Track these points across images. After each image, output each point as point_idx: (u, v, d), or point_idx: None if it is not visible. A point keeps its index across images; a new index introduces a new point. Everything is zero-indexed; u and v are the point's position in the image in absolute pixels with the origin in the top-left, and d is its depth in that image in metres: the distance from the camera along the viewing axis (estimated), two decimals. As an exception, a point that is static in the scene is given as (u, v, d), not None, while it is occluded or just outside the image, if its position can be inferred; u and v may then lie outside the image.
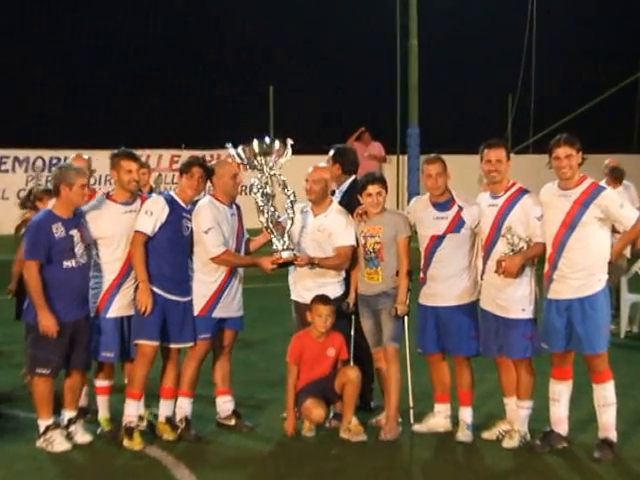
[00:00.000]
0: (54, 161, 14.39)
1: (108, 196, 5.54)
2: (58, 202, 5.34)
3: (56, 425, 5.35)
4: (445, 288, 5.46)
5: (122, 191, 5.49)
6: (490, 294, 5.38)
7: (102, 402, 5.63)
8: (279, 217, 5.57)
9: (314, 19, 17.89)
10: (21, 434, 5.58)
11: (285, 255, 5.50)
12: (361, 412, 5.77)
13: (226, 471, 5.08)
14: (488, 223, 5.37)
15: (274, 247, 5.54)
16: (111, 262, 5.44)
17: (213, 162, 5.78)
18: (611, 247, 5.23)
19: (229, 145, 5.56)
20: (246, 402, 6.13)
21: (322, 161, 6.04)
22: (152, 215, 5.39)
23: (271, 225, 5.52)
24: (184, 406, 5.59)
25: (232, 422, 5.77)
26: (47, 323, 5.18)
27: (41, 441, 5.33)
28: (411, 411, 5.72)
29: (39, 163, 14.25)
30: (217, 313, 5.59)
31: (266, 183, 5.51)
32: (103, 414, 5.62)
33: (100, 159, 11.57)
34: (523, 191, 5.36)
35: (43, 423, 5.33)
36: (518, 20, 17.81)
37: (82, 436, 5.43)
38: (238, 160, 5.56)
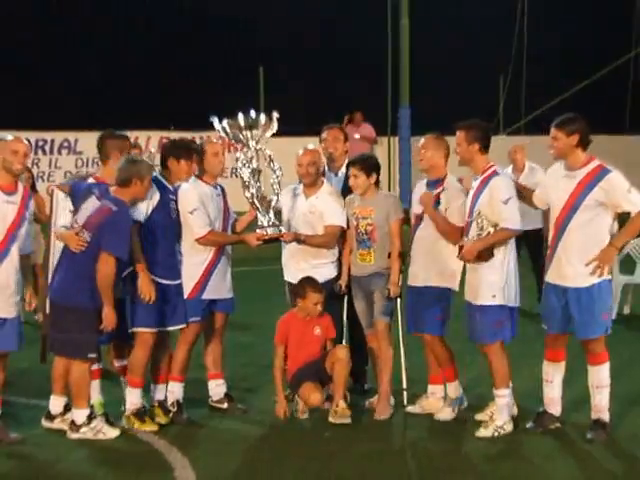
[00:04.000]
0: (40, 143, 14.24)
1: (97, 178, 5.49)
2: (126, 194, 5.16)
3: (93, 413, 5.27)
4: (419, 268, 5.42)
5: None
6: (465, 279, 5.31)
7: (94, 386, 5.57)
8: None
9: (304, -1, 17.75)
10: (13, 419, 5.52)
11: (270, 231, 5.46)
12: (355, 394, 5.76)
13: (219, 454, 5.06)
14: (467, 207, 5.28)
15: (259, 223, 5.49)
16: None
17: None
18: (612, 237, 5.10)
19: (214, 119, 5.47)
20: (238, 385, 6.11)
21: (312, 143, 5.97)
22: (144, 200, 5.33)
23: (256, 201, 5.46)
24: (175, 390, 5.56)
25: (224, 405, 5.75)
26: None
27: (85, 431, 5.19)
28: (404, 393, 5.71)
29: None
30: (207, 295, 5.56)
31: (252, 158, 5.44)
32: (96, 397, 5.56)
33: (88, 141, 11.51)
34: (494, 174, 5.18)
35: (84, 412, 5.21)
36: (510, 0, 17.71)
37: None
38: (223, 134, 5.49)
